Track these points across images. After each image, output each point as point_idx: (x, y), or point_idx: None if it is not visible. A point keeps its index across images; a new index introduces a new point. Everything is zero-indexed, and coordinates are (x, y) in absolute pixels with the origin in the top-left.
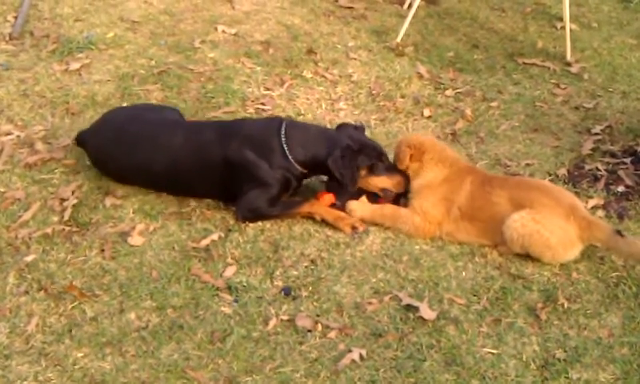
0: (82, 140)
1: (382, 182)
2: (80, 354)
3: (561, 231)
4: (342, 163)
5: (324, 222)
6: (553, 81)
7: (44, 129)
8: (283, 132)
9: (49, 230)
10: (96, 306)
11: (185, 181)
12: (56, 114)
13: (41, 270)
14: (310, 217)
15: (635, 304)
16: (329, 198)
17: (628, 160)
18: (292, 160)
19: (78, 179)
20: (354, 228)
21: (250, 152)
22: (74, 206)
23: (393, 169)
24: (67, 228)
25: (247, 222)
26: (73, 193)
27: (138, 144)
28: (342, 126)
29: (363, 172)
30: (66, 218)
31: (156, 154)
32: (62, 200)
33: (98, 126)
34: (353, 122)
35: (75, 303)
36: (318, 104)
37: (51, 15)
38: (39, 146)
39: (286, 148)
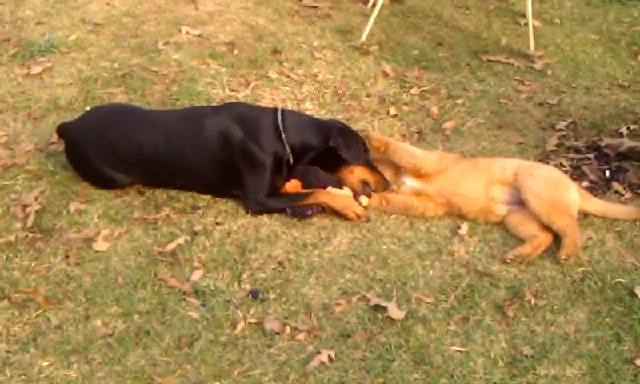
0: (64, 130)
1: (364, 173)
2: (45, 363)
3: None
4: (344, 141)
5: (331, 211)
6: (517, 77)
7: (5, 134)
8: (280, 116)
9: (12, 237)
10: (61, 313)
11: (180, 162)
12: (18, 119)
13: (4, 277)
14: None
15: (601, 299)
16: (295, 183)
17: (592, 155)
18: (285, 143)
19: (40, 185)
20: (358, 217)
21: (244, 130)
22: (37, 211)
23: (375, 167)
24: (31, 234)
25: (255, 214)
26: (36, 199)
27: (133, 121)
28: (329, 120)
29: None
30: (29, 224)
31: (151, 130)
32: (25, 206)
33: (85, 114)
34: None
35: (40, 311)
36: (283, 104)
37: (12, 18)
38: (0, 151)
39: (281, 130)
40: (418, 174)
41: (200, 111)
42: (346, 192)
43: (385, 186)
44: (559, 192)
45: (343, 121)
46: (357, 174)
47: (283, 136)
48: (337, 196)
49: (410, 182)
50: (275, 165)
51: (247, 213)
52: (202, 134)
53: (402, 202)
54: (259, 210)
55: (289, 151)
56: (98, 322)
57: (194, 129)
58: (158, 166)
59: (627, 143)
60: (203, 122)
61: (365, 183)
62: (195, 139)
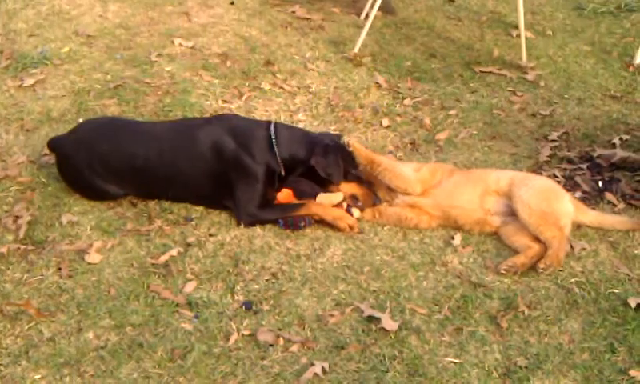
0: (55, 144)
1: (352, 188)
2: (37, 376)
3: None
4: (325, 161)
5: (323, 222)
6: (509, 88)
7: None
8: (273, 129)
9: (4, 250)
10: (53, 325)
11: (172, 173)
12: (10, 131)
13: None
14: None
15: (594, 309)
16: (287, 192)
17: (584, 166)
18: (277, 155)
19: (33, 196)
20: (351, 227)
21: (237, 142)
22: (29, 223)
23: (363, 181)
24: (23, 246)
25: (247, 226)
26: (28, 210)
27: (124, 134)
28: (320, 134)
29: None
30: (22, 236)
31: (142, 142)
32: (17, 218)
33: (76, 128)
34: (331, 133)
35: (32, 323)
36: (277, 116)
37: (4, 31)
38: None
39: (274, 143)
40: (408, 194)
41: (192, 122)
42: (339, 197)
43: (373, 200)
44: (550, 203)
45: (337, 132)
46: (344, 189)
47: (275, 149)
48: (328, 207)
49: (403, 196)
50: (267, 177)
51: (239, 225)
52: (194, 145)
53: (396, 215)
54: (250, 221)
55: (280, 164)
56: (91, 335)
57: (187, 140)
58: (150, 178)
59: (620, 154)
60: (196, 133)
61: (354, 197)
62: (188, 150)
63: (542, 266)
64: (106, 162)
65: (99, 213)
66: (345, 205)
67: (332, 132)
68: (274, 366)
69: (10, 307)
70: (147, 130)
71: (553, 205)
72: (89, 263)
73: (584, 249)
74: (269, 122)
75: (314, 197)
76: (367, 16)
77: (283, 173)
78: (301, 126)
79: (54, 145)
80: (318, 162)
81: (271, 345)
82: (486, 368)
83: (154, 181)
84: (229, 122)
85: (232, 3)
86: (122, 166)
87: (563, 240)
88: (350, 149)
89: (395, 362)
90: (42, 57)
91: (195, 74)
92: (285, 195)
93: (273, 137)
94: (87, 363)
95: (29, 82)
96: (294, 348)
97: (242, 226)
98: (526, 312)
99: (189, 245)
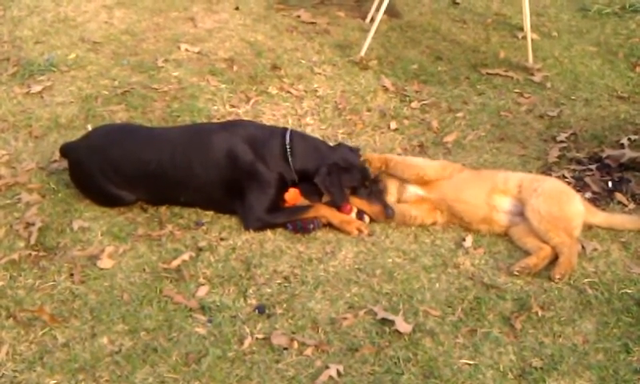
0: (67, 150)
1: (361, 204)
2: (52, 382)
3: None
4: (328, 181)
5: (330, 225)
6: (516, 90)
7: (7, 153)
8: (288, 137)
9: (15, 256)
10: (67, 331)
11: (185, 178)
12: (19, 138)
13: (9, 296)
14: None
15: (608, 309)
16: (294, 192)
17: (593, 167)
18: (291, 165)
19: (43, 203)
20: (359, 231)
21: (253, 151)
22: (40, 230)
23: (375, 197)
24: (34, 253)
25: (256, 231)
26: (39, 216)
27: (137, 139)
28: (339, 145)
29: (346, 190)
30: (33, 242)
31: (155, 147)
32: (28, 224)
33: (88, 133)
34: (350, 145)
35: (46, 329)
36: (284, 120)
37: (11, 38)
38: (3, 170)
39: (288, 152)
40: (422, 182)
41: (207, 128)
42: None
43: (385, 214)
44: (561, 207)
45: (356, 146)
46: (354, 202)
47: (290, 160)
48: (335, 213)
49: (413, 189)
50: (280, 185)
51: (247, 230)
52: (209, 151)
53: (400, 214)
54: (259, 226)
55: (294, 175)
56: (105, 340)
57: (201, 146)
58: (163, 182)
59: (629, 154)
60: (211, 140)
61: (360, 213)
62: (202, 156)
63: (557, 276)
64: (118, 168)
65: (110, 218)
66: (355, 210)
67: (351, 145)
68: (289, 370)
69: (24, 313)
70: (160, 135)
71: (564, 207)
72: (101, 268)
73: (596, 249)
74: (285, 130)
75: (321, 196)
76: (372, 20)
77: (297, 180)
78: (309, 129)
79: (66, 150)
80: (321, 181)
81: (285, 348)
82: (501, 369)
83: (167, 186)
84: (244, 129)
85: (237, 8)
86: (135, 171)
87: (573, 245)
88: (365, 161)
89: (410, 365)
90: (48, 64)
91: (202, 79)
92: (292, 195)
93: (288, 147)
94: (102, 368)
95: (36, 88)
96: (309, 351)
97: (252, 230)
98: (540, 313)
99: (200, 249)
